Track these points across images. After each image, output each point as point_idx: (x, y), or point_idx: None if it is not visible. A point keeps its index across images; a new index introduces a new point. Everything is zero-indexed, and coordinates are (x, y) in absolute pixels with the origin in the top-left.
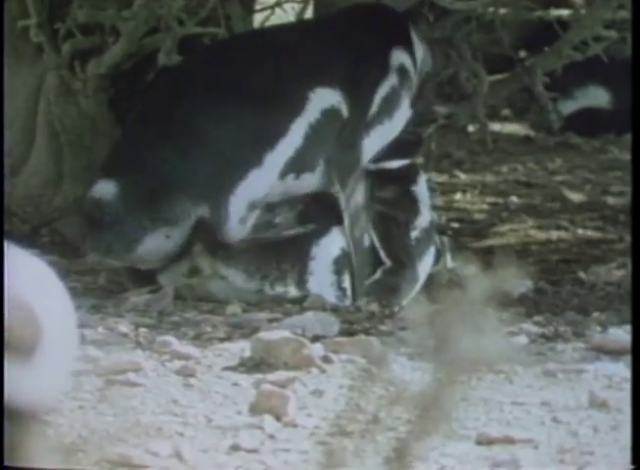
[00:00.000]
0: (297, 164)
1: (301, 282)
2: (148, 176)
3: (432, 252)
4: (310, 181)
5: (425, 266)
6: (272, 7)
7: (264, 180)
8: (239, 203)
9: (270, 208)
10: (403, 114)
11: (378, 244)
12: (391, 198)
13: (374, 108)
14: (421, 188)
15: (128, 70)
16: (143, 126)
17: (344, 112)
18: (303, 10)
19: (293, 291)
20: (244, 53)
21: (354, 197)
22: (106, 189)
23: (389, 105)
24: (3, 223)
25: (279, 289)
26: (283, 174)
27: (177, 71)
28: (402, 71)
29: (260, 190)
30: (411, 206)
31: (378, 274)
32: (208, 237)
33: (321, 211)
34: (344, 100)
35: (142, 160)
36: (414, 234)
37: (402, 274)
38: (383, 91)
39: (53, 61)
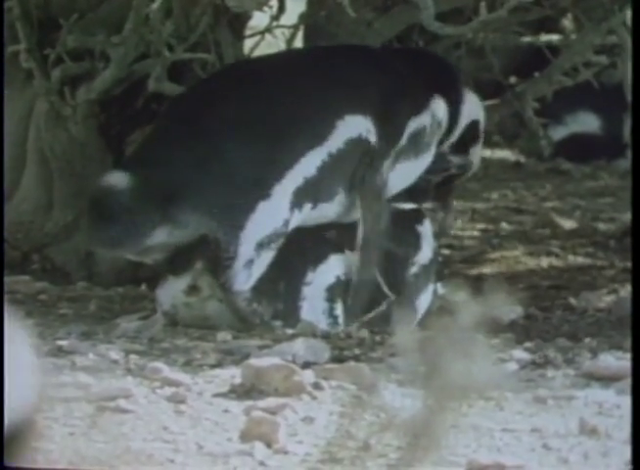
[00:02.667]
0: (313, 194)
1: (294, 308)
2: (163, 175)
3: (430, 290)
4: (327, 210)
5: (422, 303)
6: (262, 32)
7: (273, 214)
8: (247, 241)
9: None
10: (428, 158)
11: (379, 277)
12: (395, 233)
13: (403, 141)
14: (425, 228)
15: (118, 95)
16: (167, 130)
17: (373, 140)
18: (294, 36)
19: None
20: (274, 76)
21: (373, 223)
22: (118, 179)
23: (417, 143)
24: (3, 223)
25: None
26: (296, 205)
27: (209, 84)
28: (436, 119)
29: (270, 225)
30: (413, 242)
31: (383, 306)
32: (211, 256)
33: (322, 238)
34: (375, 128)
35: (157, 159)
36: (412, 270)
37: (401, 309)
38: (412, 127)
39: (43, 86)
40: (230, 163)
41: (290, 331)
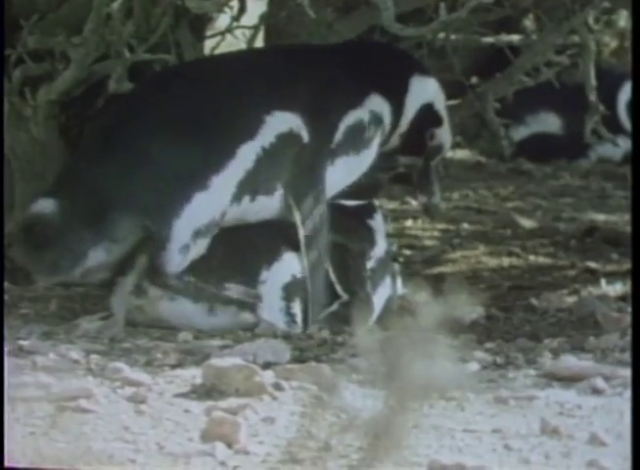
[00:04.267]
0: (251, 187)
1: (252, 306)
2: (87, 192)
3: (387, 282)
4: (267, 205)
5: (380, 297)
6: (222, 33)
7: (211, 204)
8: (184, 228)
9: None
10: (370, 154)
11: (333, 275)
12: (347, 229)
13: (338, 136)
14: (377, 222)
15: (78, 96)
16: (87, 147)
17: (305, 136)
18: (254, 36)
19: (244, 314)
20: (198, 77)
21: (312, 221)
22: (44, 205)
23: (355, 139)
24: (3, 223)
25: (229, 312)
26: (237, 197)
27: (128, 96)
28: (375, 114)
29: (207, 215)
30: (367, 236)
31: (334, 306)
32: (151, 254)
33: (275, 236)
34: (306, 125)
35: (82, 177)
36: (369, 264)
37: (357, 306)
38: (348, 121)
39: (3, 87)
40: (159, 162)
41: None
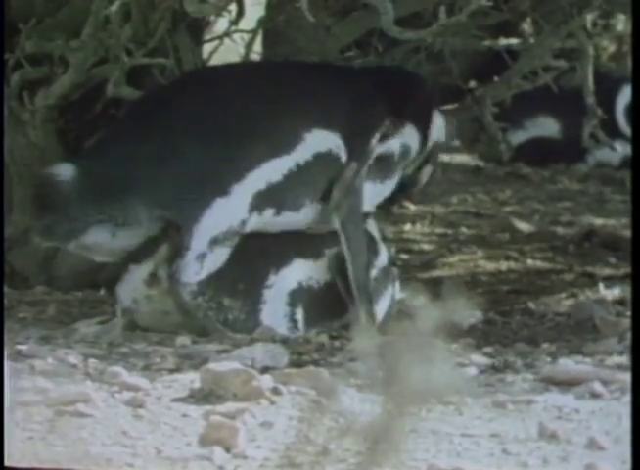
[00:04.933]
0: (275, 201)
1: (255, 311)
2: (111, 171)
3: (389, 291)
4: (293, 220)
5: (382, 305)
6: (221, 37)
7: (230, 211)
8: (202, 235)
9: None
10: (392, 183)
11: (341, 287)
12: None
13: (370, 160)
14: (372, 227)
15: (77, 100)
16: (121, 126)
17: (343, 157)
18: (252, 40)
19: (249, 321)
20: (243, 81)
21: (358, 239)
22: (64, 170)
23: (384, 168)
24: (3, 224)
25: (232, 315)
26: (256, 208)
27: (170, 85)
28: (406, 147)
29: (226, 222)
30: (371, 245)
31: (346, 319)
32: (175, 242)
33: (286, 242)
34: (344, 146)
35: (110, 155)
36: (373, 273)
37: (361, 317)
38: (381, 148)
39: (2, 94)
40: (185, 159)
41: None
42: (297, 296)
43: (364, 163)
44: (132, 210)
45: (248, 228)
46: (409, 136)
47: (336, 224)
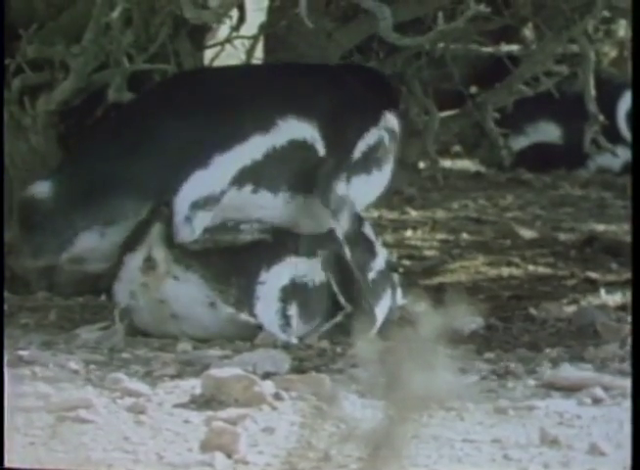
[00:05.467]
0: (255, 177)
1: (249, 305)
2: (85, 174)
3: (388, 293)
4: (271, 203)
5: (382, 308)
6: (222, 43)
7: (210, 181)
8: (182, 202)
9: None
10: (391, 168)
11: (335, 287)
12: (348, 239)
13: (357, 154)
14: (368, 229)
15: (78, 106)
16: (92, 135)
17: (320, 150)
18: (253, 46)
19: (243, 313)
20: (211, 79)
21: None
22: (40, 188)
23: (378, 156)
24: (3, 224)
25: (230, 309)
26: (237, 182)
27: (136, 98)
28: (392, 133)
29: (204, 190)
30: (367, 247)
31: (338, 318)
32: (166, 222)
33: (278, 240)
34: (322, 139)
35: (81, 158)
36: (370, 276)
37: (360, 318)
38: (370, 140)
39: (2, 96)
40: (163, 141)
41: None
42: (289, 292)
43: (345, 157)
44: (115, 206)
45: (226, 199)
46: (390, 121)
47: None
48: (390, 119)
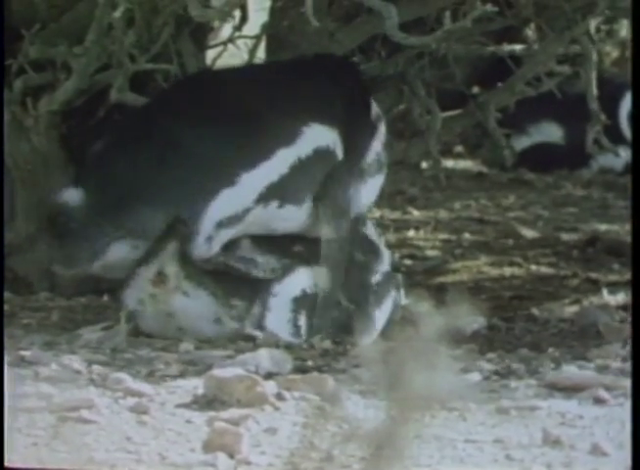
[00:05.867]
0: (281, 193)
1: (260, 317)
2: (116, 184)
3: (391, 295)
4: (295, 215)
5: (384, 311)
6: (224, 43)
7: (236, 200)
8: (207, 221)
9: (255, 246)
10: (385, 170)
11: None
12: (352, 240)
13: (371, 155)
14: (370, 230)
15: (80, 106)
16: (120, 137)
17: (339, 154)
18: (256, 46)
19: (249, 326)
20: (235, 82)
21: (338, 238)
22: (71, 195)
23: (384, 154)
24: (3, 224)
25: (235, 324)
26: (263, 199)
27: (164, 92)
28: (381, 120)
29: (230, 209)
30: (371, 248)
31: (337, 313)
32: (184, 234)
33: (289, 250)
34: (341, 142)
35: (111, 168)
36: (375, 278)
37: (360, 318)
38: (380, 139)
39: (5, 97)
40: (191, 154)
41: (254, 333)
42: (300, 302)
43: (359, 159)
44: (145, 218)
45: (251, 217)
46: (377, 109)
47: (320, 217)
48: (375, 108)
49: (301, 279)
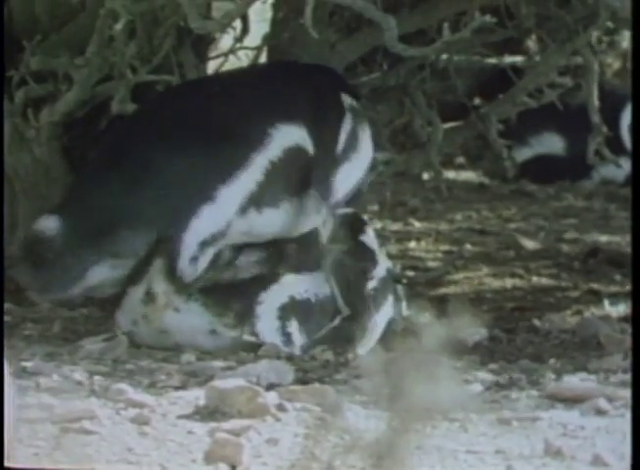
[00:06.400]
0: (258, 199)
1: (250, 325)
2: (93, 210)
3: (389, 301)
4: (274, 218)
5: (382, 317)
6: (226, 54)
7: (218, 216)
8: (190, 241)
9: (235, 251)
10: (367, 154)
11: (336, 291)
12: (346, 246)
13: (340, 145)
14: (370, 238)
15: (81, 117)
16: (94, 166)
17: (310, 149)
18: (257, 57)
19: (245, 334)
20: (198, 95)
21: (325, 233)
22: (47, 224)
23: (353, 143)
24: (3, 224)
25: (232, 333)
26: (243, 210)
27: (130, 117)
28: (354, 111)
29: (213, 226)
30: (366, 255)
31: (336, 321)
32: (168, 256)
33: (274, 258)
34: (310, 137)
35: (88, 194)
36: (372, 284)
37: (358, 324)
38: (346, 128)
39: (6, 109)
40: (164, 173)
41: (251, 338)
42: (288, 310)
43: (331, 150)
44: (123, 240)
45: (233, 229)
46: (349, 99)
47: (298, 216)
48: (347, 99)
49: (288, 287)
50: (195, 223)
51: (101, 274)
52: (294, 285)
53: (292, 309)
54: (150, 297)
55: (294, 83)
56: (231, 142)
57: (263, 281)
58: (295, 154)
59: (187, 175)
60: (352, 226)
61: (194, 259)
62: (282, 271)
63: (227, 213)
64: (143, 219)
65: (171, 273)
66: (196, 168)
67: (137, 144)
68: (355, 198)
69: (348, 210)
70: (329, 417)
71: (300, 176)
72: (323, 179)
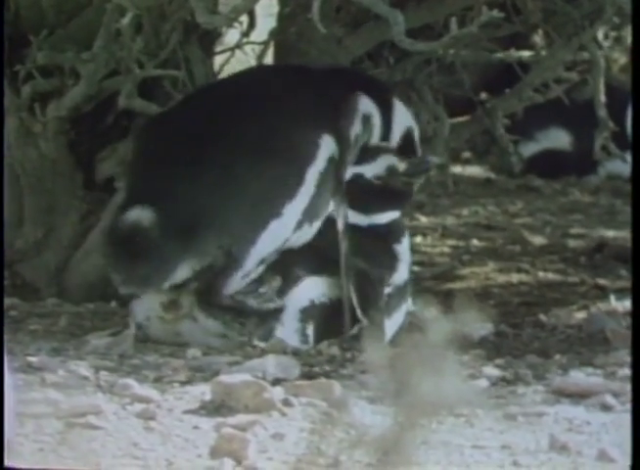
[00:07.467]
0: (311, 213)
1: (269, 329)
2: (183, 208)
3: (403, 310)
4: (314, 229)
5: (393, 324)
6: (232, 49)
7: (281, 232)
8: (254, 256)
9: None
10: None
11: (355, 300)
12: (373, 255)
13: (352, 149)
14: (403, 247)
15: (88, 112)
16: (182, 159)
17: (337, 157)
18: (264, 52)
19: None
20: (255, 94)
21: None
22: (142, 215)
23: (357, 144)
24: (3, 224)
25: (241, 338)
26: (300, 225)
27: (195, 102)
28: (366, 119)
29: (277, 242)
30: (389, 263)
31: (355, 330)
32: (209, 278)
33: (294, 262)
34: (336, 144)
35: (176, 188)
36: (387, 290)
37: (370, 331)
38: (356, 130)
39: (13, 103)
40: (243, 181)
41: (261, 344)
42: (308, 313)
43: (347, 156)
44: (204, 240)
45: (286, 245)
46: (363, 104)
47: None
48: (362, 102)
49: (309, 290)
50: (263, 237)
51: (185, 272)
52: (314, 288)
53: (311, 312)
54: (173, 305)
55: (324, 90)
56: (291, 155)
57: (282, 285)
58: (333, 164)
59: (259, 187)
60: (389, 236)
61: (246, 276)
62: (302, 274)
63: (288, 230)
64: (220, 226)
65: (207, 290)
66: (267, 182)
67: (219, 147)
68: (404, 199)
69: (397, 215)
70: (335, 412)
71: (335, 185)
72: (342, 184)
